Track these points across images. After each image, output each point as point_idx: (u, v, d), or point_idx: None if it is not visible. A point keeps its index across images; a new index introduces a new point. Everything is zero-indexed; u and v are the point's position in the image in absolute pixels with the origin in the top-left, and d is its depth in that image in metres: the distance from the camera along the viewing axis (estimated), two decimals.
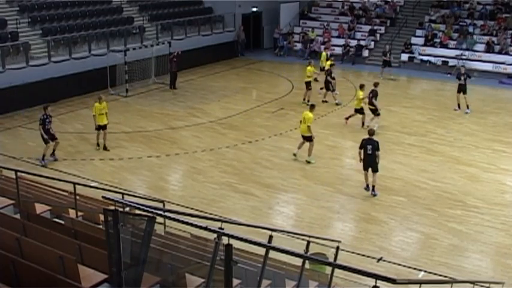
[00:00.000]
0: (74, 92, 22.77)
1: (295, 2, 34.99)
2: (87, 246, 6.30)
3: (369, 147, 14.29)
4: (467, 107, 21.68)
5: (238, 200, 14.17)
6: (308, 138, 16.59)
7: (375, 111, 19.52)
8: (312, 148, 16.54)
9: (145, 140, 18.38)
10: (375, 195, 14.36)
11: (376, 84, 19.80)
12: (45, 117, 16.19)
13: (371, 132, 14.66)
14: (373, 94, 19.44)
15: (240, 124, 20.17)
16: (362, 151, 14.43)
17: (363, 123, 19.55)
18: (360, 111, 19.63)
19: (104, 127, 17.21)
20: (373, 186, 14.44)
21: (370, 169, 14.40)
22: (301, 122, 16.78)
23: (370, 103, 19.45)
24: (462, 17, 31.48)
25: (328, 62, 24.25)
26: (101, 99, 17.12)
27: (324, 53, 26.37)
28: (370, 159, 14.33)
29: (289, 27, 34.08)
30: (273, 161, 16.65)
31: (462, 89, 21.79)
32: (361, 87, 19.78)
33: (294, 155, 16.82)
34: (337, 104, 22.50)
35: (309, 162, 16.43)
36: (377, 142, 14.35)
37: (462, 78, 21.85)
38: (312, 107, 17.06)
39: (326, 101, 22.84)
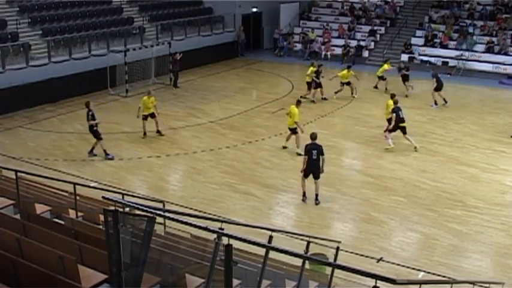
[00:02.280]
0: (74, 92, 22.77)
1: (295, 3, 34.99)
2: (87, 247, 6.30)
3: (314, 152, 13.65)
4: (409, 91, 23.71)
5: (238, 200, 14.17)
6: (293, 131, 17.26)
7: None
8: (298, 140, 16.97)
9: (145, 140, 18.37)
10: (318, 203, 13.88)
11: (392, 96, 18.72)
12: (91, 112, 16.50)
13: (313, 136, 13.94)
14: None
15: (240, 124, 20.17)
16: (307, 158, 13.73)
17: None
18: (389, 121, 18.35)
19: (152, 115, 18.39)
20: (316, 195, 13.90)
21: (312, 176, 13.79)
22: (288, 115, 17.41)
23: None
24: (462, 17, 31.49)
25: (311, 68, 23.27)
26: (150, 93, 18.60)
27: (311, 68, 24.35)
28: (314, 165, 13.68)
29: (289, 28, 34.09)
30: (273, 161, 16.66)
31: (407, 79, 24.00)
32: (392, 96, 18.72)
33: (284, 147, 17.59)
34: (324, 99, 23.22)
35: (299, 154, 16.52)
36: (321, 146, 13.83)
37: (403, 71, 24.23)
38: (298, 103, 17.64)
39: (325, 98, 23.28)
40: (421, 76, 27.80)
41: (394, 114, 17.54)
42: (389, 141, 17.56)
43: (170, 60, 25.11)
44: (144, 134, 18.47)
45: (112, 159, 16.57)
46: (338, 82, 23.51)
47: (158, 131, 18.67)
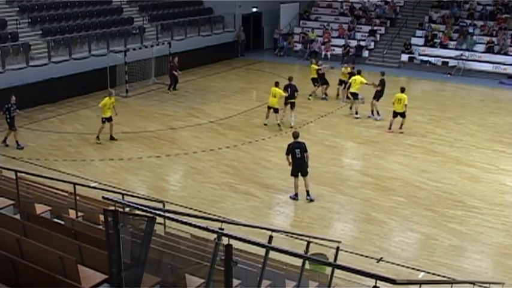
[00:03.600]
0: (74, 92, 22.78)
1: (295, 3, 34.99)
2: (87, 247, 6.30)
3: (297, 151, 13.72)
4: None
5: (238, 200, 14.17)
6: (276, 110, 19.34)
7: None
8: (279, 116, 19.44)
9: (145, 140, 18.37)
10: (311, 200, 13.94)
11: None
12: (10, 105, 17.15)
13: (295, 135, 14.02)
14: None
15: (240, 124, 20.17)
16: (290, 156, 13.85)
17: (401, 126, 19.21)
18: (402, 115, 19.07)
19: (110, 119, 17.93)
20: (307, 191, 13.97)
21: (299, 174, 13.87)
22: (271, 95, 19.42)
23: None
24: (462, 17, 31.48)
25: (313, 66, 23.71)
26: (111, 94, 18.10)
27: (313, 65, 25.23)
28: (299, 163, 13.77)
29: (289, 28, 34.09)
30: (273, 162, 16.65)
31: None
32: (402, 90, 19.29)
33: (265, 124, 19.66)
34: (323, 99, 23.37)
35: (279, 125, 19.20)
36: (304, 144, 13.92)
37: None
38: (276, 83, 19.78)
39: (326, 97, 23.62)
40: (421, 76, 27.86)
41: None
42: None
43: (171, 65, 24.83)
44: (111, 137, 18.02)
45: (22, 148, 17.00)
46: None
47: (111, 137, 18.06)
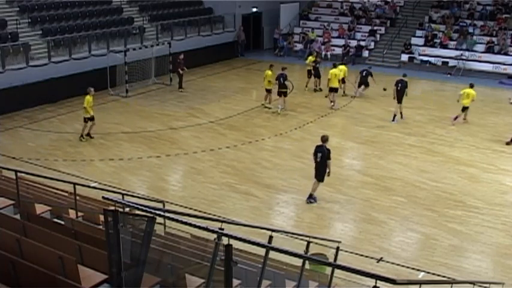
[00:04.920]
0: (74, 92, 22.69)
1: (295, 3, 34.99)
2: (87, 247, 6.30)
3: (319, 154, 13.63)
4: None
5: (238, 200, 14.17)
6: (269, 91, 21.51)
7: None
8: (271, 98, 21.56)
9: (145, 140, 18.37)
10: (310, 202, 13.82)
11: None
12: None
13: (323, 139, 13.78)
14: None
15: (240, 124, 20.17)
16: (314, 158, 13.76)
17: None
18: None
19: (92, 118, 17.95)
20: (310, 194, 13.84)
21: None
22: (264, 79, 21.63)
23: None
24: (462, 17, 31.49)
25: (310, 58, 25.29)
26: (90, 91, 17.95)
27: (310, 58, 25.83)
28: (317, 166, 13.70)
29: (289, 28, 34.09)
30: (273, 162, 16.66)
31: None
32: None
33: (263, 105, 21.72)
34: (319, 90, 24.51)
35: (269, 108, 21.38)
36: (328, 150, 13.65)
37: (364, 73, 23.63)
38: (271, 66, 22.00)
39: (320, 89, 24.63)
40: (421, 76, 27.85)
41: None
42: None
43: (177, 62, 24.81)
44: (88, 135, 18.02)
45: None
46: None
47: (88, 134, 18.07)
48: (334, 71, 22.21)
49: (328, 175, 13.80)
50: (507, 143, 18.17)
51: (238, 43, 32.26)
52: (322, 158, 13.60)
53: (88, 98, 17.71)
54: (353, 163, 17.19)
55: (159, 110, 21.76)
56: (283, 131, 19.35)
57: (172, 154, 17.23)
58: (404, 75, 21.08)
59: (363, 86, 23.68)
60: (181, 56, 24.48)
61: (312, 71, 24.74)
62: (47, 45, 22.74)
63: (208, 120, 20.58)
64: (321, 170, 13.72)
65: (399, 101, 20.40)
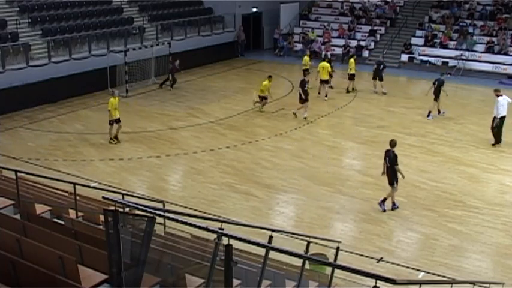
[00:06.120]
0: (74, 92, 22.78)
1: (295, 3, 34.99)
2: (87, 247, 6.30)
3: (387, 159, 13.58)
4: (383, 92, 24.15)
5: (238, 200, 14.17)
6: (264, 98, 21.60)
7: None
8: (263, 104, 21.64)
9: (146, 140, 18.37)
10: (383, 210, 13.47)
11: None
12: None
13: (392, 144, 13.63)
14: None
15: (240, 124, 20.17)
16: (384, 162, 13.67)
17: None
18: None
19: (118, 120, 17.71)
20: (384, 199, 13.56)
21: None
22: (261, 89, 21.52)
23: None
24: (462, 17, 31.48)
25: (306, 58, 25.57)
26: (114, 93, 17.78)
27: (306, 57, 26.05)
28: (387, 172, 13.63)
29: (289, 28, 34.08)
30: (273, 162, 16.66)
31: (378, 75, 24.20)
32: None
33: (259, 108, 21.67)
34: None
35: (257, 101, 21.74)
36: (395, 155, 13.43)
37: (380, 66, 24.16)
38: (269, 76, 21.85)
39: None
40: (421, 76, 27.85)
41: None
42: None
43: (174, 66, 24.86)
44: (116, 137, 17.83)
45: None
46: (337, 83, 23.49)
47: (116, 137, 17.88)
48: (322, 64, 23.53)
49: (403, 177, 13.58)
50: (493, 145, 18.06)
51: (238, 43, 32.26)
52: (389, 163, 13.52)
53: (112, 100, 17.53)
54: (353, 163, 17.19)
55: (159, 110, 21.77)
56: (283, 131, 19.35)
57: (172, 154, 17.23)
58: (442, 74, 21.96)
59: (378, 81, 24.18)
60: (177, 62, 24.54)
61: (309, 72, 24.41)
62: (47, 45, 22.75)
63: (208, 120, 20.58)
64: (391, 175, 13.57)
65: (436, 99, 20.95)
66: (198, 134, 19.06)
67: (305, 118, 20.40)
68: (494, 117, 17.96)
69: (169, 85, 24.87)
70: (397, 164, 13.41)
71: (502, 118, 17.89)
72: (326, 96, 23.09)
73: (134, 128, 19.34)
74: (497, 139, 18.00)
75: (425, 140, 18.60)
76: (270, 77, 21.81)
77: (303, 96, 20.40)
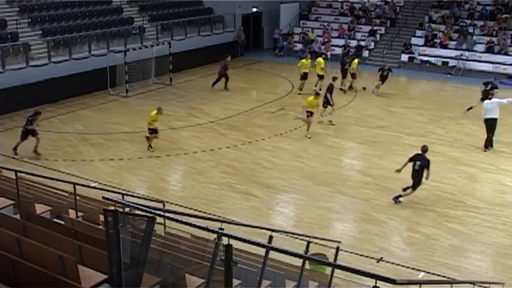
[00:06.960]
0: (74, 92, 22.76)
1: (295, 3, 34.99)
2: (87, 247, 6.30)
3: (418, 163, 13.71)
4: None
5: (238, 200, 14.17)
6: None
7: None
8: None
9: (145, 140, 18.32)
10: (395, 203, 13.92)
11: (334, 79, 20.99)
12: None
13: (423, 149, 13.94)
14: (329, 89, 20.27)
15: (240, 124, 20.16)
16: (408, 164, 13.88)
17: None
18: None
19: (155, 131, 17.47)
20: (400, 195, 13.96)
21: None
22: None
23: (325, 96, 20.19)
24: (462, 17, 31.48)
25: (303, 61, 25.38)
26: (160, 109, 17.59)
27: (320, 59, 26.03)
28: (414, 174, 13.78)
29: (289, 28, 34.08)
30: (273, 162, 16.66)
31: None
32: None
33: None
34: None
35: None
36: (428, 160, 13.69)
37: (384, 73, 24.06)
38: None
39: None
40: (421, 76, 27.86)
41: None
42: None
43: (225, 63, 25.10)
44: (150, 146, 17.46)
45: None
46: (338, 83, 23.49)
47: (150, 145, 17.38)
48: (318, 59, 24.50)
49: (427, 179, 13.78)
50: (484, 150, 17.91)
51: (238, 43, 32.25)
52: (420, 167, 13.64)
53: (152, 114, 17.31)
54: (353, 163, 17.18)
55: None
56: (283, 131, 19.35)
57: (172, 154, 17.23)
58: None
59: (379, 82, 24.33)
60: (229, 58, 25.51)
61: (308, 74, 24.63)
62: (47, 45, 22.74)
63: (208, 120, 20.58)
64: (416, 178, 13.73)
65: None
66: (198, 134, 19.06)
67: (330, 122, 20.14)
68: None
69: (222, 83, 25.02)
70: (429, 169, 13.64)
71: (489, 120, 17.71)
72: (320, 90, 22.58)
73: (134, 128, 19.33)
74: (486, 143, 17.79)
75: (425, 140, 18.51)
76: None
77: (331, 102, 20.04)
